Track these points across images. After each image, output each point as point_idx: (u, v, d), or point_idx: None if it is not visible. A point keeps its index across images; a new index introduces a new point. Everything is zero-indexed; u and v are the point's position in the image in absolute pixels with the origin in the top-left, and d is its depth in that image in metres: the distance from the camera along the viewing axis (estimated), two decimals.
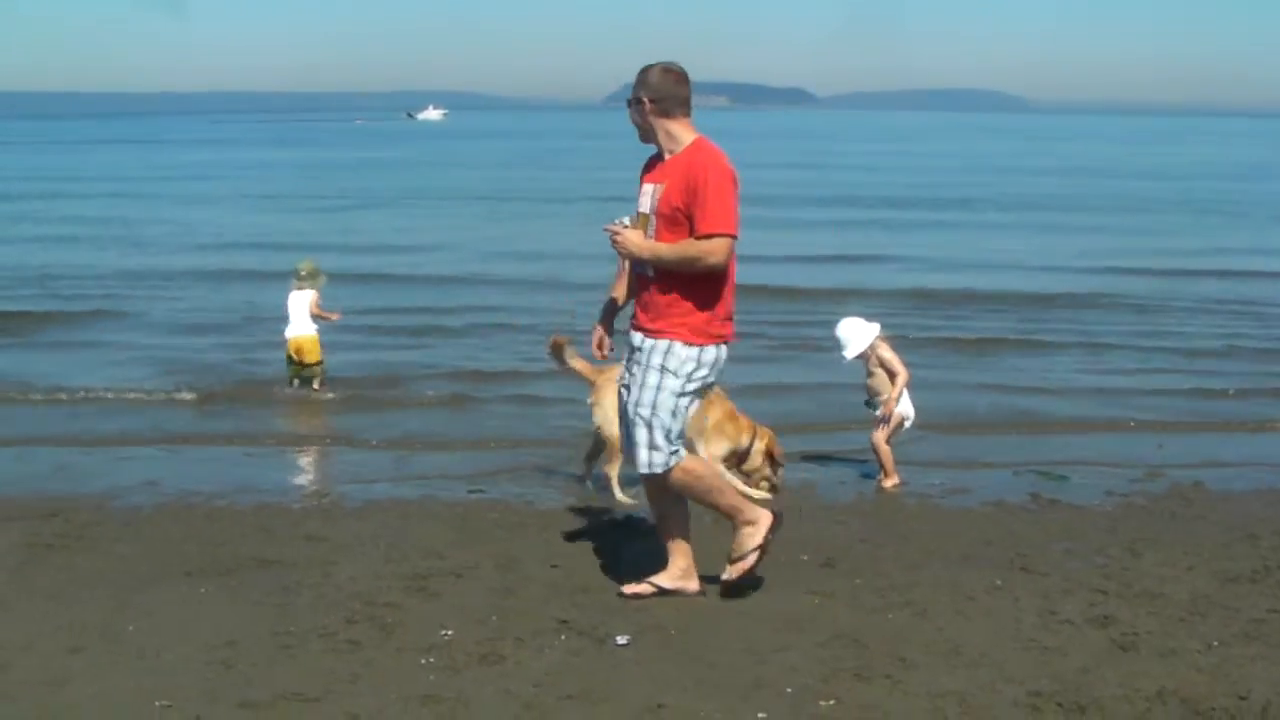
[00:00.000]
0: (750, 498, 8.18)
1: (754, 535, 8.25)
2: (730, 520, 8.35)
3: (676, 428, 8.08)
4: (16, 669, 7.18)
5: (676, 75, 8.12)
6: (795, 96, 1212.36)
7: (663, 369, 8.01)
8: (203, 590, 8.55)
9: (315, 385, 15.90)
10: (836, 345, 11.68)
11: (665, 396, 8.02)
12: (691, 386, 8.06)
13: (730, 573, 8.32)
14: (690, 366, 8.01)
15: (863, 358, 11.53)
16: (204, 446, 13.44)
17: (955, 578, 8.82)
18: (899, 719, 6.60)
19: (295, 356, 15.85)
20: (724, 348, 8.14)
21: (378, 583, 8.59)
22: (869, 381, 11.66)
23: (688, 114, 8.13)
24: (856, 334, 11.52)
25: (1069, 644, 7.61)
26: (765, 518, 8.30)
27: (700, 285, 7.98)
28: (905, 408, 11.63)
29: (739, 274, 8.14)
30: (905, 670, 7.18)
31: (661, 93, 8.05)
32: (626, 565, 9.03)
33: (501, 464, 12.51)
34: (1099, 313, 23.58)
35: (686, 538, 8.43)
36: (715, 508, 8.37)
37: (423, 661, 7.28)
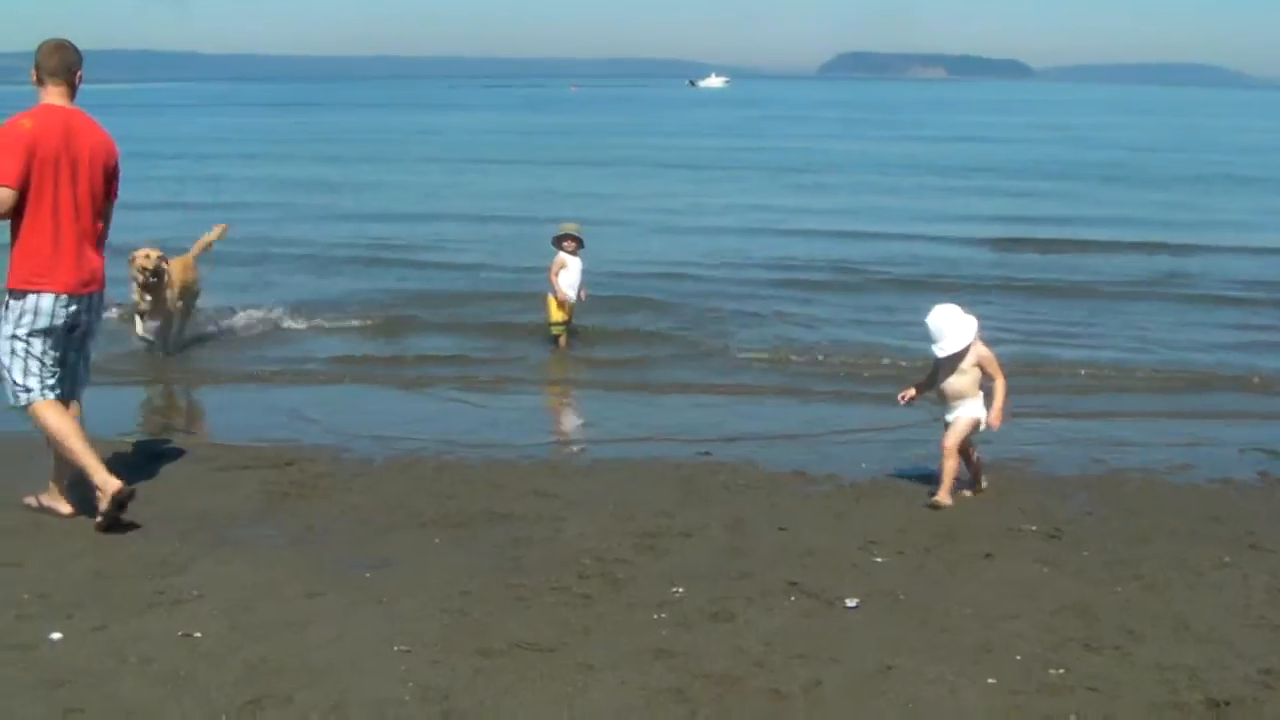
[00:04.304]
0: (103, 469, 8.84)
1: (101, 501, 8.78)
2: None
3: (18, 371, 8.76)
4: (260, 610, 7.47)
5: (50, 47, 8.90)
6: (1011, 68, 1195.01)
7: (3, 315, 8.76)
8: (436, 541, 8.81)
9: (561, 342, 16.21)
10: (928, 336, 10.09)
11: (2, 341, 8.75)
12: (22, 331, 8.70)
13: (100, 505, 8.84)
14: (16, 313, 8.70)
15: (955, 355, 9.99)
16: (428, 395, 13.80)
17: (1183, 553, 8.75)
18: (1128, 690, 6.58)
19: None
20: (50, 297, 8.66)
21: (607, 540, 8.76)
22: (951, 381, 10.01)
23: (58, 83, 8.86)
24: (957, 326, 9.95)
25: None
26: (110, 486, 8.70)
27: (15, 234, 8.66)
28: (979, 410, 10.04)
29: None
30: (1134, 642, 7.16)
31: (38, 63, 8.87)
32: (853, 528, 9.13)
33: (732, 427, 12.58)
34: None
35: (89, 468, 8.79)
36: (72, 461, 8.87)
37: (654, 617, 7.42)
